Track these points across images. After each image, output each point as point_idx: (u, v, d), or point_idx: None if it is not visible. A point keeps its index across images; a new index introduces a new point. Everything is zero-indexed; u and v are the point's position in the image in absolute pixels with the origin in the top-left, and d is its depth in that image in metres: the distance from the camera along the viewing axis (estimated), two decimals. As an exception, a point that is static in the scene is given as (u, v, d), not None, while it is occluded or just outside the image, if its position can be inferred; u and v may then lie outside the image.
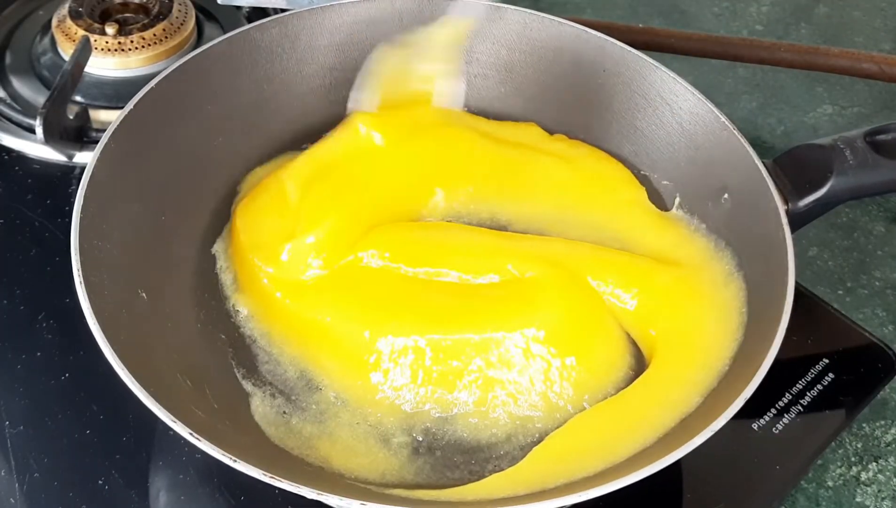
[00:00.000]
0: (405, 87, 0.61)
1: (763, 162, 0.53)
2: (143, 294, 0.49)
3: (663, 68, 0.58)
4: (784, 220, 0.50)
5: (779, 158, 0.54)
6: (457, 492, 0.44)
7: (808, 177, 0.52)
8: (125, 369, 0.41)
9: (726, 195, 0.55)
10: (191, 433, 0.39)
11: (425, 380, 0.48)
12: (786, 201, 0.51)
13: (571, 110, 0.63)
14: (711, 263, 0.53)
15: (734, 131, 0.54)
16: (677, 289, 0.52)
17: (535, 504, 0.39)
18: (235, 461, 0.38)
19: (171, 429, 0.39)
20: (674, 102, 0.58)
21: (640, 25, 0.78)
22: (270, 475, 0.38)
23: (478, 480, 0.45)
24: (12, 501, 0.46)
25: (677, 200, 0.58)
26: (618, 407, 0.48)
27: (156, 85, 0.53)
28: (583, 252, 0.53)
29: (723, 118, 0.55)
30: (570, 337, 0.49)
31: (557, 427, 0.47)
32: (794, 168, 0.52)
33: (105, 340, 0.41)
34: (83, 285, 0.43)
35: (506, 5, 0.62)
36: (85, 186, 0.47)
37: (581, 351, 0.49)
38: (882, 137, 0.53)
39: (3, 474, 0.47)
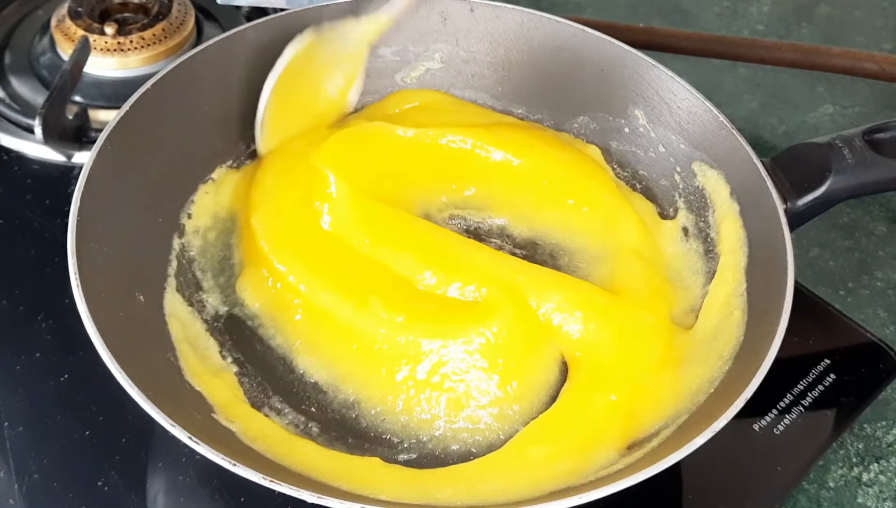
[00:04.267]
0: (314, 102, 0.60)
1: (761, 161, 0.52)
2: (141, 296, 0.49)
3: (661, 67, 0.58)
4: (783, 219, 0.50)
5: (777, 157, 0.54)
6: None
7: (807, 176, 0.52)
8: (123, 372, 0.40)
9: (725, 195, 0.55)
10: (190, 437, 0.39)
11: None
12: (784, 200, 0.51)
13: (569, 110, 0.63)
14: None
15: (732, 130, 0.54)
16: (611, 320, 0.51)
17: (536, 506, 0.38)
18: (235, 464, 0.38)
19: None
20: (672, 102, 0.58)
21: (641, 25, 0.78)
22: (270, 478, 0.38)
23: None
24: (11, 502, 0.46)
25: (678, 200, 0.58)
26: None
27: (151, 87, 0.53)
28: (532, 276, 0.52)
29: (721, 117, 0.55)
30: (505, 353, 0.49)
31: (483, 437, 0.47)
32: (793, 167, 0.52)
33: (102, 343, 0.41)
34: (80, 288, 0.43)
35: (504, 4, 0.62)
36: (81, 189, 0.47)
37: (513, 367, 0.49)
38: (880, 135, 0.53)
39: (2, 475, 0.47)
